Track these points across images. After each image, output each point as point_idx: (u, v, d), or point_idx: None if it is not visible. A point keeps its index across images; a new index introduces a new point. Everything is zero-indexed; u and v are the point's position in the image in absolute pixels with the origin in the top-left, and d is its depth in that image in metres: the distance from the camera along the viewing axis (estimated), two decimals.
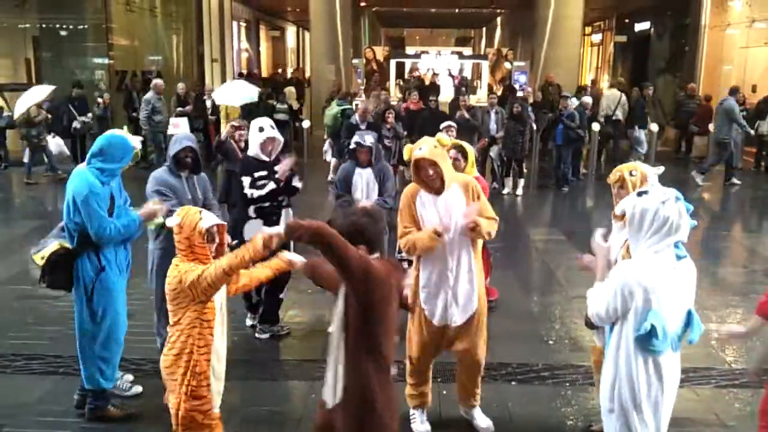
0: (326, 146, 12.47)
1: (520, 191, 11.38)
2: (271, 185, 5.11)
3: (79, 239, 3.93)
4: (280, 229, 2.85)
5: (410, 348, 4.05)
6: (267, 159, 5.18)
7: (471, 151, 5.17)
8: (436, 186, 3.74)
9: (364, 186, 5.39)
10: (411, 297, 3.53)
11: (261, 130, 5.20)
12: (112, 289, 4.04)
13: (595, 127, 12.95)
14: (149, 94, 12.36)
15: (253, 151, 5.21)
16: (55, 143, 11.95)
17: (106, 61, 15.88)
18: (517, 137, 10.99)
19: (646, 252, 2.71)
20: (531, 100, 14.25)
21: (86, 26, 15.88)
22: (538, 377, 4.84)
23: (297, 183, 5.27)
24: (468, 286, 3.84)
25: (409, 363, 4.09)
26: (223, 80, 20.78)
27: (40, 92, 10.94)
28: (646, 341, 2.69)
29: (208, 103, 13.15)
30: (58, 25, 15.57)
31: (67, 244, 3.97)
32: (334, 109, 12.63)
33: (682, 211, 2.72)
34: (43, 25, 15.65)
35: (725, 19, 17.85)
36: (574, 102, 12.03)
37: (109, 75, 15.79)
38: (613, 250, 3.33)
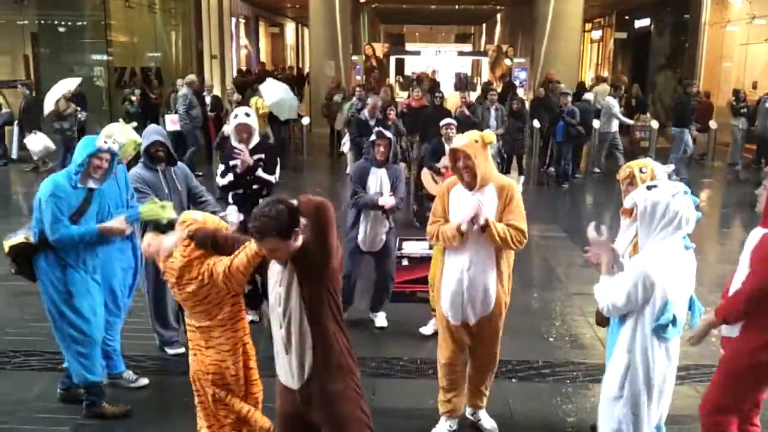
0: (345, 138, 12.43)
1: (519, 188, 11.35)
2: (230, 176, 5.26)
3: (39, 236, 3.94)
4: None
5: (440, 353, 4.02)
6: (241, 149, 5.24)
7: None
8: (467, 180, 3.68)
9: (378, 185, 5.38)
10: (436, 293, 3.84)
11: (235, 116, 5.40)
12: (76, 288, 3.99)
13: (596, 124, 12.93)
14: (185, 90, 12.24)
15: (234, 139, 5.37)
16: (37, 139, 11.76)
17: (105, 57, 15.83)
18: (516, 134, 10.97)
19: (659, 244, 2.79)
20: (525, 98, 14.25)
21: (85, 23, 15.84)
22: (538, 374, 4.83)
23: (263, 174, 5.30)
24: (483, 290, 3.76)
25: (439, 367, 4.05)
26: (222, 77, 20.74)
27: (67, 84, 11.01)
28: (663, 330, 2.80)
29: (208, 100, 13.11)
30: (56, 22, 15.53)
31: (32, 239, 3.98)
32: (345, 105, 12.81)
33: (690, 204, 2.81)
34: (42, 22, 15.60)
35: (725, 15, 17.82)
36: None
37: (108, 71, 15.75)
38: (620, 246, 3.34)
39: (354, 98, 12.63)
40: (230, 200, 5.32)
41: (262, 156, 5.35)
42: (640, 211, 2.85)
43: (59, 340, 4.11)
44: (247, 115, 5.39)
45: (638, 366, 2.86)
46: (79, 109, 11.79)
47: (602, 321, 3.84)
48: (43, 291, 4.03)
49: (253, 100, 12.30)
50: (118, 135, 4.22)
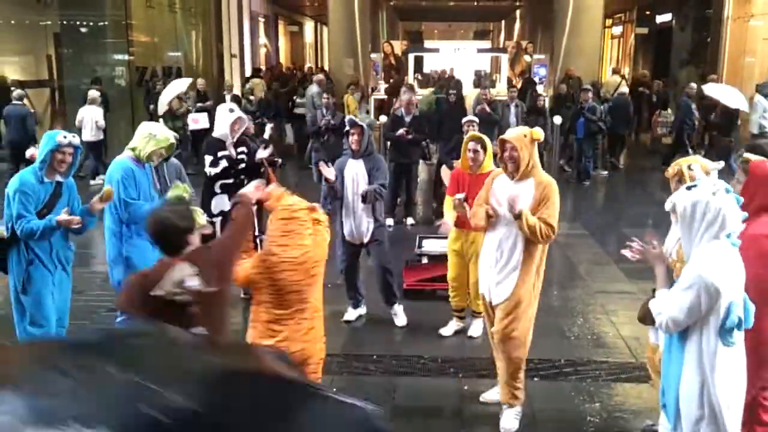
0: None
1: None
2: (224, 163, 5.53)
3: (11, 230, 4.05)
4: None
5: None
6: (228, 140, 5.59)
7: (489, 144, 5.16)
8: (510, 170, 3.91)
9: (355, 176, 5.33)
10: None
11: (231, 111, 5.73)
12: (38, 284, 4.10)
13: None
14: (313, 88, 12.23)
15: (221, 131, 5.61)
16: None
17: (126, 57, 15.97)
18: None
19: (708, 247, 2.68)
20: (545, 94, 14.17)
21: (106, 23, 15.98)
22: (560, 373, 4.79)
23: (262, 153, 5.72)
24: (507, 279, 3.93)
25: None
26: (242, 76, 20.84)
27: (180, 85, 11.28)
28: (729, 334, 2.68)
29: (228, 98, 13.18)
30: (78, 22, 15.68)
31: (5, 233, 4.09)
32: (429, 96, 13.06)
33: (732, 202, 2.71)
34: (64, 22, 15.76)
35: (748, 10, 17.53)
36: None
37: (129, 71, 15.89)
38: (668, 245, 3.36)
39: (440, 91, 12.78)
40: (217, 190, 5.59)
41: (245, 149, 5.71)
42: (679, 212, 2.75)
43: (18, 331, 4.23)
44: (234, 110, 5.78)
45: (713, 379, 2.70)
46: (190, 108, 12.11)
47: (645, 318, 3.80)
48: (11, 285, 4.18)
49: (345, 97, 12.63)
50: (155, 130, 4.55)
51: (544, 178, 3.95)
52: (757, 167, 3.33)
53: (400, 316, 5.61)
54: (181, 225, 2.78)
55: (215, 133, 5.69)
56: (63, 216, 4.02)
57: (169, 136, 4.65)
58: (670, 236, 3.55)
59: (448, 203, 4.93)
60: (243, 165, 5.65)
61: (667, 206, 2.87)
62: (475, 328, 5.35)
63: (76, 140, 4.13)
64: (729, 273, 2.67)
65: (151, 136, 4.55)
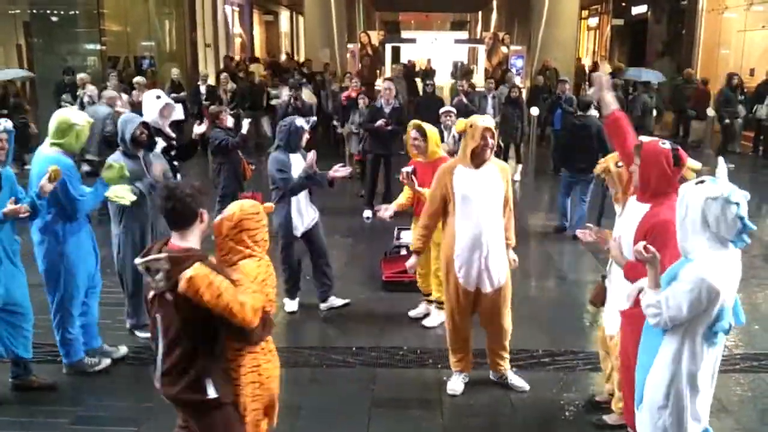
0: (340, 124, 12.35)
1: (518, 177, 11.33)
2: (162, 143, 5.54)
3: None
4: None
5: (448, 317, 4.38)
6: (162, 126, 5.67)
7: (432, 131, 5.34)
8: (487, 157, 4.08)
9: (299, 169, 5.35)
10: (443, 265, 4.25)
11: (158, 97, 5.73)
12: None
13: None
14: (284, 93, 12.02)
15: (151, 117, 5.52)
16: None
17: (98, 47, 15.70)
18: (515, 122, 10.92)
19: (713, 251, 2.64)
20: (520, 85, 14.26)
21: (78, 12, 15.67)
22: (538, 363, 4.83)
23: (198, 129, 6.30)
24: (499, 257, 4.18)
25: (448, 331, 4.42)
26: (217, 65, 20.61)
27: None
28: (715, 336, 2.71)
29: (203, 89, 13.02)
30: (49, 11, 15.35)
31: None
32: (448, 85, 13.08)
33: (743, 206, 2.63)
34: (35, 11, 15.43)
35: (723, 2, 17.75)
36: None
37: (101, 61, 15.62)
38: (621, 234, 3.36)
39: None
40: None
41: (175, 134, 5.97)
42: (677, 204, 2.70)
43: None
44: (159, 97, 5.79)
45: (684, 374, 2.74)
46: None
47: (598, 300, 3.93)
48: None
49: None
50: (74, 118, 4.31)
51: (500, 162, 4.33)
52: (646, 150, 3.23)
53: (335, 300, 5.67)
54: (196, 196, 2.75)
55: (147, 118, 5.39)
56: (9, 207, 3.93)
57: (86, 117, 4.40)
58: (618, 222, 3.58)
59: (405, 191, 5.33)
60: (174, 151, 5.82)
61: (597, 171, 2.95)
62: (433, 319, 5.42)
63: (9, 124, 4.02)
64: (729, 278, 2.66)
65: (72, 126, 4.30)
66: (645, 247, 2.76)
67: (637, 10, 23.10)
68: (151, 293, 2.74)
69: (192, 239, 2.77)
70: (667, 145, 3.21)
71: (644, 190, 3.25)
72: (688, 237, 2.68)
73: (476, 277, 4.16)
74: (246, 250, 2.87)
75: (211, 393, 2.76)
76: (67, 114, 4.39)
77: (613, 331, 3.82)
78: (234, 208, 2.93)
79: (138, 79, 11.91)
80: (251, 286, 2.74)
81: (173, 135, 5.88)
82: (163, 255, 2.63)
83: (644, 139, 3.43)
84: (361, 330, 5.35)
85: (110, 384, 4.46)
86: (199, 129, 6.43)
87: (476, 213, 4.08)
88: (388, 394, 4.38)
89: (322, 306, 5.66)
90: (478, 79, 17.19)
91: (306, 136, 5.47)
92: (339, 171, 5.37)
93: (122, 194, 4.50)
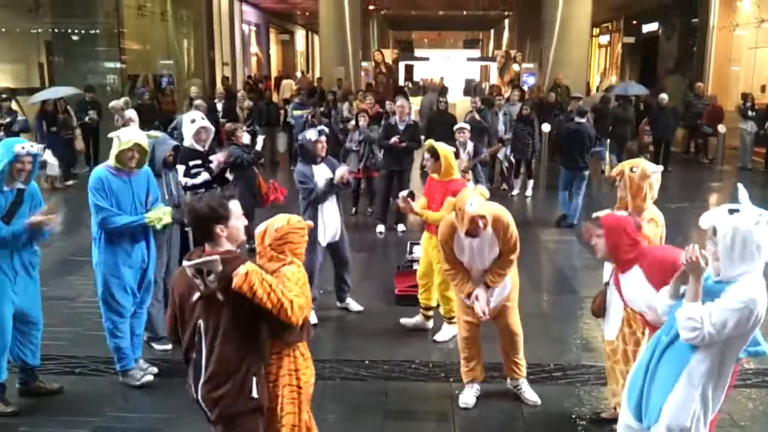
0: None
1: (529, 192, 11.38)
2: (205, 175, 5.69)
3: None
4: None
5: (459, 328, 4.49)
6: (201, 149, 5.73)
7: (446, 152, 5.37)
8: (480, 234, 4.04)
9: (323, 178, 5.67)
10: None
11: (193, 121, 5.77)
12: None
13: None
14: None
15: (188, 142, 5.72)
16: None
17: (118, 65, 16.01)
18: (526, 138, 11.01)
19: (757, 273, 2.65)
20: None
21: (98, 31, 16.01)
22: (550, 377, 4.86)
23: (229, 176, 6.08)
24: (500, 288, 4.30)
25: (459, 340, 4.50)
26: (234, 84, 20.90)
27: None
28: (741, 355, 2.78)
29: (219, 106, 13.22)
30: (70, 30, 15.71)
31: None
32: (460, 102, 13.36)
33: None
34: (56, 30, 15.79)
35: (734, 19, 17.80)
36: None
37: (121, 79, 15.91)
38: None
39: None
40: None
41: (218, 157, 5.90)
42: (720, 236, 2.64)
43: None
44: (203, 118, 5.91)
45: (710, 395, 2.73)
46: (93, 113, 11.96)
47: (599, 311, 4.01)
48: None
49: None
50: (122, 134, 4.40)
51: (495, 212, 4.25)
52: (606, 224, 3.46)
53: (352, 303, 6.07)
54: (210, 213, 2.81)
55: (185, 143, 5.73)
56: (35, 217, 4.07)
57: (133, 138, 4.43)
58: None
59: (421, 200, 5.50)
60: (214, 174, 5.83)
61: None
62: (444, 333, 5.48)
63: (35, 149, 4.13)
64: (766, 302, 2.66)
65: (117, 138, 4.43)
66: (699, 253, 2.65)
67: (648, 27, 23.19)
68: (195, 297, 2.82)
69: (225, 246, 2.88)
70: (623, 213, 3.44)
71: (614, 259, 3.46)
72: (737, 267, 2.63)
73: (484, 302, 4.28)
74: (287, 259, 3.03)
75: (255, 394, 2.87)
76: (123, 129, 4.52)
77: (611, 336, 3.88)
78: (282, 221, 3.07)
79: (114, 103, 10.61)
80: (294, 288, 2.88)
81: (212, 165, 5.80)
82: (215, 257, 2.73)
83: (600, 214, 3.59)
84: (373, 343, 5.41)
85: (128, 395, 4.54)
86: (219, 157, 6.03)
87: (474, 266, 4.26)
88: (400, 407, 4.42)
89: (339, 304, 6.05)
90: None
91: (321, 146, 5.69)
92: (339, 173, 5.64)
93: (159, 216, 4.56)
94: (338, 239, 5.81)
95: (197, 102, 11.88)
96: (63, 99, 11.84)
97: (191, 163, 5.70)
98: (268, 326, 2.85)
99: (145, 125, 12.48)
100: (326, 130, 5.89)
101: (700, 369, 2.69)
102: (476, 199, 4.03)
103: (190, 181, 5.63)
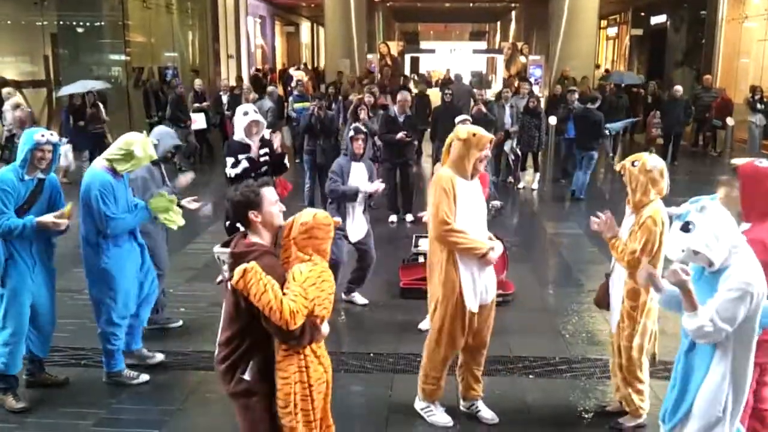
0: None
1: (535, 185, 11.34)
2: (245, 163, 5.49)
3: None
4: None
5: (444, 350, 4.07)
6: (250, 142, 5.56)
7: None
8: (481, 168, 3.99)
9: (359, 177, 5.82)
10: (442, 294, 3.95)
11: (245, 114, 5.63)
12: (15, 280, 4.13)
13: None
14: (266, 103, 12.06)
15: (239, 135, 5.60)
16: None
17: (123, 57, 16.02)
18: (532, 131, 10.96)
19: (740, 255, 2.71)
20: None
21: (103, 23, 16.01)
22: (555, 370, 4.84)
23: (286, 163, 5.84)
24: (493, 272, 4.11)
25: (438, 362, 4.12)
26: (239, 76, 20.91)
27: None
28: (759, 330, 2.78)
29: (225, 99, 13.21)
30: (75, 23, 15.70)
31: None
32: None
33: (721, 209, 2.75)
34: (61, 23, 15.78)
35: (743, 11, 17.66)
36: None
37: (126, 71, 15.92)
38: (622, 232, 3.74)
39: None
40: None
41: (267, 150, 5.68)
42: (701, 251, 2.71)
43: None
44: (256, 111, 5.78)
45: (733, 385, 2.78)
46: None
47: (602, 303, 4.07)
48: None
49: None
50: (138, 148, 4.32)
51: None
52: (744, 170, 3.29)
53: (358, 296, 6.09)
54: (242, 200, 2.98)
55: (236, 137, 5.64)
56: (46, 217, 4.08)
57: (151, 154, 4.41)
58: (624, 223, 3.96)
59: None
60: (264, 167, 5.58)
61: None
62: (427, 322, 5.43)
63: (54, 138, 4.15)
64: (761, 276, 2.70)
65: (131, 155, 4.33)
66: (683, 269, 2.69)
67: (656, 19, 23.04)
68: (218, 279, 3.05)
69: (257, 235, 3.01)
70: (764, 163, 3.26)
71: (749, 210, 3.24)
72: (723, 253, 2.70)
73: (482, 294, 3.99)
74: (305, 257, 2.99)
75: (246, 376, 2.97)
76: (135, 139, 4.38)
77: (613, 330, 3.88)
78: (308, 215, 3.03)
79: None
80: (295, 289, 2.85)
81: (259, 156, 5.58)
82: (228, 249, 2.96)
83: (739, 161, 3.49)
84: (378, 336, 5.41)
85: (132, 387, 4.54)
86: (276, 141, 5.85)
87: (474, 225, 3.95)
88: (405, 400, 4.41)
89: (344, 297, 6.01)
90: (497, 89, 17.25)
91: (359, 144, 5.81)
92: (375, 187, 5.79)
93: (173, 218, 4.58)
94: (364, 237, 5.88)
95: (270, 89, 11.97)
96: (92, 92, 11.77)
97: (240, 156, 5.49)
98: (266, 325, 2.87)
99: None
100: (362, 128, 5.95)
101: (726, 358, 2.75)
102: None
103: (233, 172, 5.46)
